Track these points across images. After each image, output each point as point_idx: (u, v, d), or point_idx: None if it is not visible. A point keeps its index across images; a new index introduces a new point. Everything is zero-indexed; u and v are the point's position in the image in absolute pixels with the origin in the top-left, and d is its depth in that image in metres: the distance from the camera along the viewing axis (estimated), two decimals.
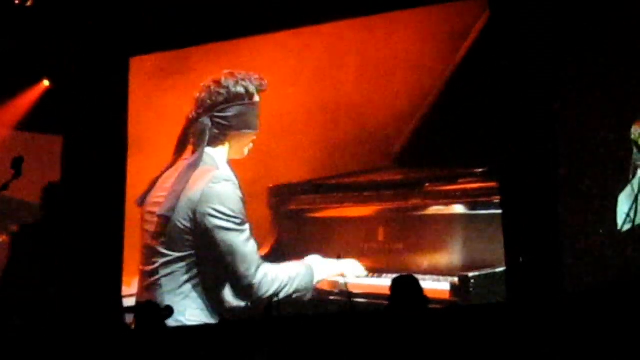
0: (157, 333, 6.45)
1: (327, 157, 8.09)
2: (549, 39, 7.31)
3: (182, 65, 8.84)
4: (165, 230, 7.88)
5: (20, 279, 8.39)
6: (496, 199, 7.30)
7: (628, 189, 7.02)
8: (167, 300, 7.60)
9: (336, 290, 7.64)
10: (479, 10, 7.67)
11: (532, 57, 7.30)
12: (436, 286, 7.21)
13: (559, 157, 7.21)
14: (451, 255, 7.41)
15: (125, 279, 8.46)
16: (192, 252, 7.80)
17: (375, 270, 7.63)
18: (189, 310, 7.74)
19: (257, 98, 8.07)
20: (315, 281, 7.73)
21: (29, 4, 8.56)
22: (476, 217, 7.36)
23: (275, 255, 7.96)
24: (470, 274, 7.11)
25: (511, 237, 7.16)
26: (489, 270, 7.18)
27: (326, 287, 7.73)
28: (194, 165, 7.94)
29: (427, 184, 7.66)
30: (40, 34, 8.85)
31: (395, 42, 8.04)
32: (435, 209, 7.55)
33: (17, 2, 8.57)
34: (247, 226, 7.73)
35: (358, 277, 7.65)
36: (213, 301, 7.78)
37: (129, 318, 7.67)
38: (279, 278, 7.66)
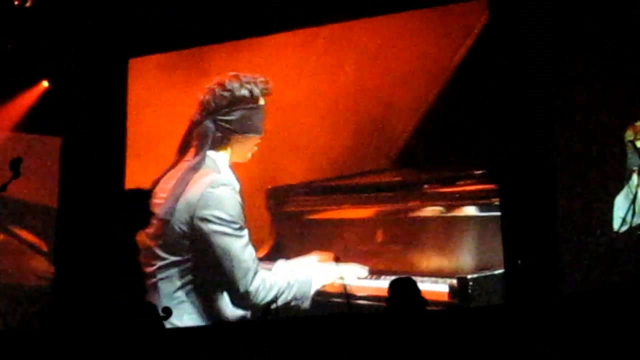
0: (156, 334, 6.44)
1: (325, 158, 8.08)
2: (549, 39, 7.31)
3: (181, 66, 8.84)
4: (164, 233, 7.87)
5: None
6: (495, 201, 7.29)
7: (623, 192, 7.02)
8: (164, 303, 7.58)
9: (335, 292, 7.63)
10: (478, 12, 7.67)
11: (531, 58, 7.30)
12: (435, 288, 7.21)
13: (558, 159, 7.21)
14: (450, 257, 7.41)
15: None
16: (189, 256, 7.79)
17: (373, 272, 7.63)
18: (186, 315, 7.72)
19: (262, 101, 8.03)
20: (313, 290, 7.69)
21: (28, 4, 8.56)
22: (475, 219, 7.36)
23: (274, 257, 7.96)
24: (469, 276, 7.11)
25: (510, 239, 7.15)
26: (487, 272, 7.18)
27: (325, 289, 7.72)
28: (194, 168, 7.93)
29: (426, 186, 7.65)
30: (39, 34, 8.84)
31: (395, 44, 8.04)
32: (434, 211, 7.54)
33: (16, 2, 8.56)
34: (245, 232, 7.71)
35: (359, 278, 7.62)
36: (209, 308, 7.76)
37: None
38: (277, 285, 7.64)
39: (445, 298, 7.17)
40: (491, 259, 7.23)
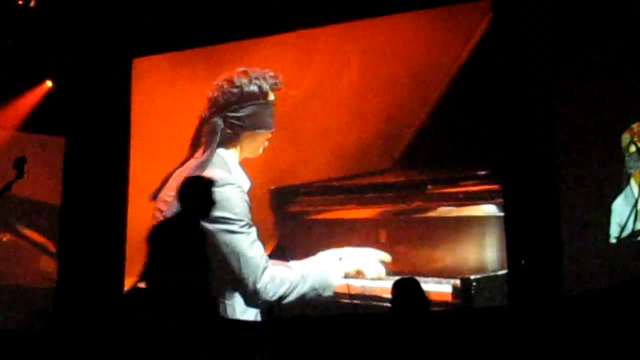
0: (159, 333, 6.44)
1: (329, 159, 8.07)
2: (553, 40, 7.31)
3: (186, 65, 8.84)
4: None
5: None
6: (498, 202, 7.29)
7: (621, 197, 7.01)
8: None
9: (338, 292, 7.62)
10: (481, 13, 7.66)
11: (534, 60, 7.30)
12: (438, 288, 7.21)
13: (560, 160, 7.21)
14: (453, 258, 7.41)
15: (127, 280, 8.46)
16: None
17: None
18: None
19: (271, 97, 7.97)
20: (335, 278, 7.58)
21: (32, 4, 8.56)
22: (478, 219, 7.36)
23: (277, 257, 7.95)
24: (472, 277, 7.11)
25: (513, 240, 7.15)
26: (490, 273, 7.18)
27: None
28: (202, 166, 7.89)
29: (429, 187, 7.65)
30: (43, 34, 8.86)
31: (398, 44, 8.03)
32: (438, 211, 7.54)
33: (20, 2, 8.57)
34: (253, 229, 7.68)
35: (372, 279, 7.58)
36: (219, 308, 7.72)
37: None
38: (288, 280, 7.56)
39: (449, 298, 7.17)
40: (494, 259, 7.24)
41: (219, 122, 7.93)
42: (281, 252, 7.92)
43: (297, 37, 8.45)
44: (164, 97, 8.83)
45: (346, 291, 7.32)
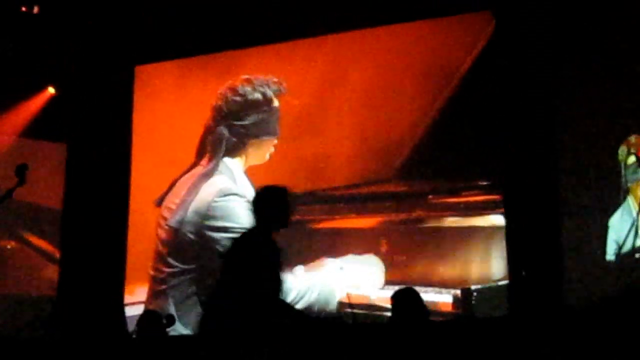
0: (159, 341, 6.44)
1: (330, 168, 8.06)
2: (554, 54, 7.30)
3: (187, 73, 8.83)
4: (174, 241, 7.86)
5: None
6: (499, 212, 7.28)
7: (618, 213, 6.99)
8: (175, 311, 7.54)
9: (338, 302, 7.61)
10: (484, 22, 7.66)
11: (536, 70, 7.28)
12: (439, 298, 7.20)
13: (562, 171, 7.20)
14: (454, 268, 7.40)
15: (128, 287, 8.45)
16: (200, 264, 7.75)
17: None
18: (194, 323, 7.67)
19: (276, 103, 7.96)
20: (337, 294, 7.53)
21: (35, 11, 8.58)
22: (479, 229, 7.35)
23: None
24: (473, 287, 7.10)
25: (514, 250, 7.14)
26: (491, 284, 7.17)
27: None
28: (207, 175, 7.90)
29: (430, 196, 7.65)
30: (46, 41, 8.86)
31: (400, 54, 8.03)
32: (439, 221, 7.54)
33: (23, 9, 8.58)
34: None
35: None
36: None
37: (132, 327, 7.66)
38: (295, 289, 7.52)
39: (449, 308, 7.15)
40: (495, 270, 7.22)
41: (224, 131, 7.92)
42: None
43: (299, 46, 8.44)
44: (166, 104, 8.82)
45: (346, 300, 7.32)
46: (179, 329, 7.47)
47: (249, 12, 8.41)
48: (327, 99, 8.20)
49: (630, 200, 7.00)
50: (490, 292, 7.09)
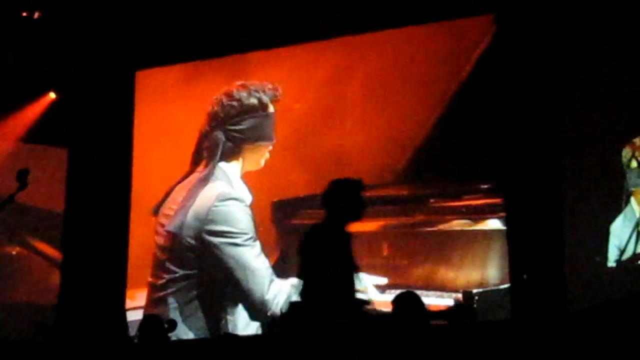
0: (160, 347, 6.44)
1: (332, 171, 8.05)
2: (558, 55, 7.29)
3: (188, 78, 8.84)
4: (173, 247, 7.86)
5: None
6: (502, 216, 7.27)
7: (620, 219, 6.97)
8: (173, 317, 7.53)
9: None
10: (485, 28, 7.66)
11: (537, 74, 7.28)
12: (440, 302, 7.20)
13: (564, 175, 7.19)
14: (456, 272, 7.39)
15: (129, 292, 8.45)
16: (199, 270, 7.75)
17: (379, 286, 7.59)
18: (194, 329, 7.67)
19: (271, 109, 7.98)
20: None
21: (36, 16, 8.59)
22: (481, 233, 7.35)
23: (279, 269, 7.92)
24: (474, 291, 7.09)
25: (516, 254, 7.13)
26: (493, 287, 7.16)
27: None
28: (204, 180, 7.91)
29: (432, 200, 7.65)
30: (47, 46, 8.87)
31: (401, 58, 8.04)
32: (440, 225, 7.53)
33: (24, 14, 8.59)
34: (257, 243, 7.67)
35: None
36: (220, 322, 7.70)
37: (133, 332, 7.65)
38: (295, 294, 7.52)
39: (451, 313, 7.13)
40: (497, 273, 7.22)
41: (220, 135, 7.94)
42: (283, 263, 7.90)
43: (300, 51, 8.44)
44: (167, 109, 8.83)
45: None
46: (181, 334, 7.46)
47: (250, 16, 8.41)
48: (328, 103, 8.20)
49: (633, 205, 6.99)
50: (491, 296, 7.08)
